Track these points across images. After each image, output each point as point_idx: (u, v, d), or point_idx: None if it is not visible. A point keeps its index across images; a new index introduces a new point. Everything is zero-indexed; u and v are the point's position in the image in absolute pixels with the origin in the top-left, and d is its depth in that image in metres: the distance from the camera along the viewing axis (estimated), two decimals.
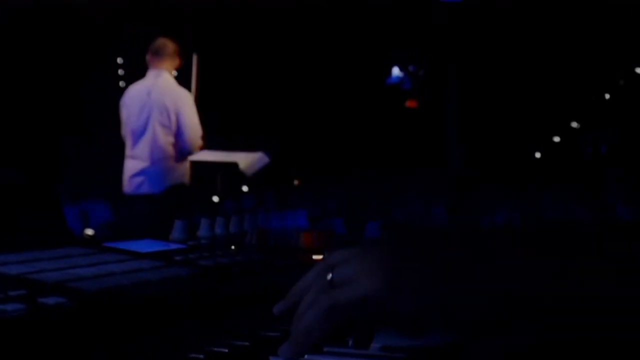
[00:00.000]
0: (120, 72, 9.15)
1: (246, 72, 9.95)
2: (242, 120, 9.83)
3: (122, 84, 8.79)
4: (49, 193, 1.31)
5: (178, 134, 5.10)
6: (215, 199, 6.38)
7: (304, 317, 0.77)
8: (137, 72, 5.65)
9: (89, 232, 6.87)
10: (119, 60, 9.23)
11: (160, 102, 5.07)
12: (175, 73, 5.29)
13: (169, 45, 5.23)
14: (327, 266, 0.79)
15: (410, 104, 10.91)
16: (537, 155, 10.20)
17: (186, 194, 5.22)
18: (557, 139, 10.78)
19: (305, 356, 0.80)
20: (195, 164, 5.70)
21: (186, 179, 5.21)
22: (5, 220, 1.21)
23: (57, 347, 0.79)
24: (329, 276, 0.78)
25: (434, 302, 0.73)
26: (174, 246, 1.19)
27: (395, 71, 10.77)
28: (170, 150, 5.11)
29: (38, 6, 8.18)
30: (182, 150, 5.16)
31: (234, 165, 5.92)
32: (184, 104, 5.13)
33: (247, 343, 0.87)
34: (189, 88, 5.48)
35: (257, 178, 6.35)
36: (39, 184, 1.31)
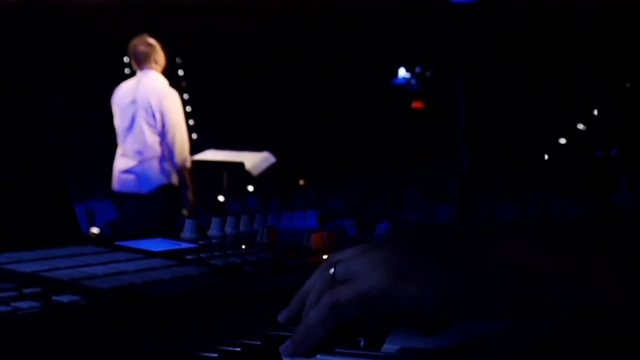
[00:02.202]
0: (127, 70, 9.16)
1: (252, 72, 9.96)
2: (248, 120, 9.84)
3: None
4: (60, 192, 1.31)
5: (162, 133, 5.08)
6: (221, 198, 6.39)
7: (307, 316, 0.77)
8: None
9: (95, 230, 6.89)
10: (125, 59, 9.24)
11: (145, 100, 5.07)
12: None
13: (142, 47, 5.18)
14: (329, 264, 0.79)
15: (416, 104, 10.92)
16: (546, 157, 10.18)
17: (175, 195, 5.19)
18: (563, 140, 10.78)
19: (318, 356, 0.80)
20: (201, 164, 5.70)
21: (174, 179, 5.18)
22: (16, 219, 1.22)
23: (71, 344, 0.79)
24: (331, 271, 0.78)
25: (439, 298, 0.73)
26: (185, 245, 1.20)
27: (402, 72, 10.78)
28: (158, 149, 5.09)
29: (44, 4, 8.19)
30: (167, 150, 5.12)
31: (240, 165, 5.93)
32: (169, 103, 5.10)
33: (259, 342, 0.87)
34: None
35: (263, 178, 6.36)
36: (48, 183, 1.31)
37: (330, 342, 0.80)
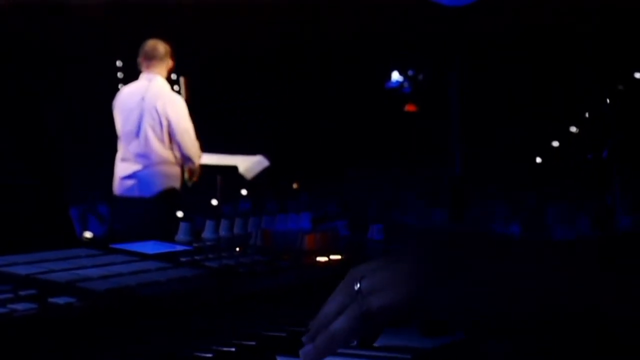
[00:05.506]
0: (120, 75, 9.15)
1: (246, 75, 9.95)
2: (242, 123, 9.83)
3: (121, 86, 8.77)
4: (55, 195, 1.32)
5: (172, 140, 5.09)
6: (215, 202, 6.39)
7: (334, 324, 0.78)
8: (136, 75, 5.65)
9: (88, 234, 6.89)
10: (118, 63, 9.23)
11: (151, 106, 5.06)
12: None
13: (160, 48, 5.19)
14: (352, 279, 0.80)
15: (409, 107, 10.94)
16: (538, 160, 10.20)
17: (177, 199, 5.20)
18: (555, 143, 10.79)
19: None
20: None
21: (177, 183, 5.19)
22: (10, 222, 1.22)
23: (67, 346, 0.80)
24: (357, 286, 0.79)
25: (465, 310, 0.75)
26: (179, 248, 1.20)
27: (395, 75, 10.79)
28: (162, 154, 5.09)
29: (37, 8, 8.17)
30: (181, 156, 5.14)
31: (233, 169, 5.93)
32: (175, 109, 5.10)
33: (253, 343, 0.88)
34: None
35: (256, 182, 6.36)
36: (43, 187, 1.32)
37: None
